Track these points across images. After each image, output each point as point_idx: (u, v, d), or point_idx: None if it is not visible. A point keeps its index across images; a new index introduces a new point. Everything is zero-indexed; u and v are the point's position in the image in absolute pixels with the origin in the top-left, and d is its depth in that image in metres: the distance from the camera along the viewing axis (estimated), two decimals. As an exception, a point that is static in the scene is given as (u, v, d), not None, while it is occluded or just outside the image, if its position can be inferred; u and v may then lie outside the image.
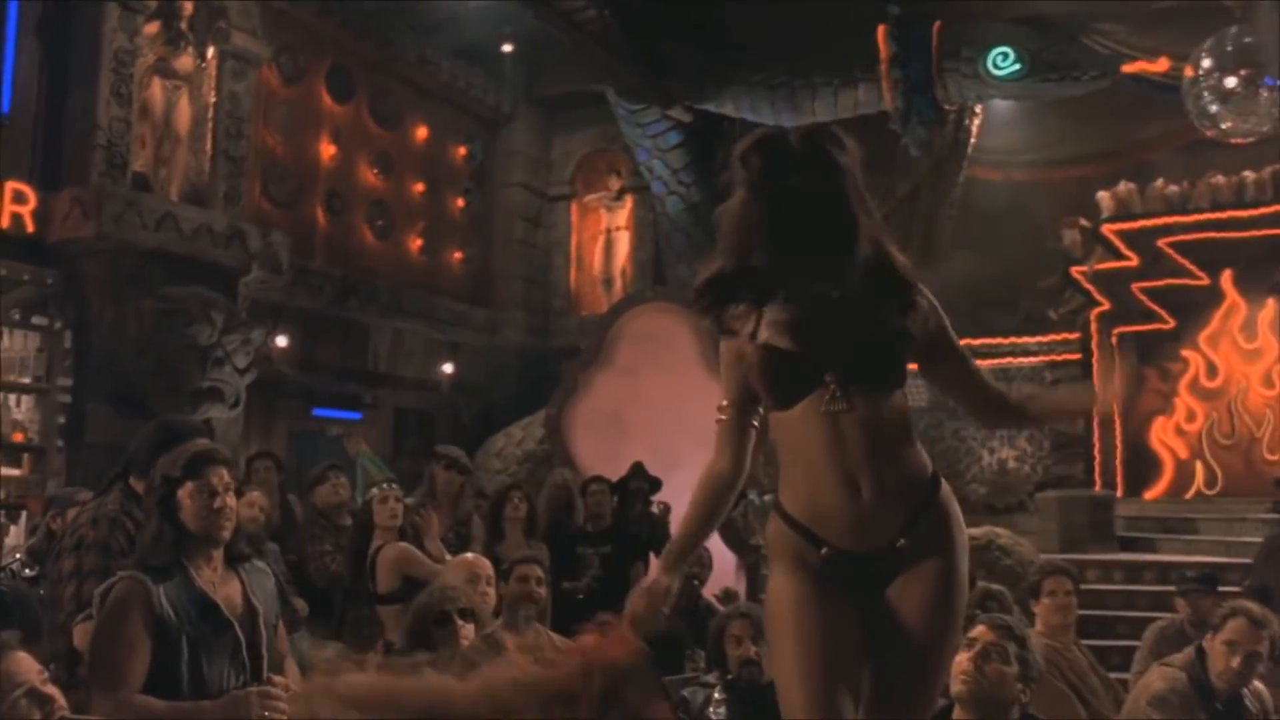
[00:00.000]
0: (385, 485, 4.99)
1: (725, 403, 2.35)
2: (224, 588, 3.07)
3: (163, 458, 3.14)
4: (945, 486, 2.29)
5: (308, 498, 6.48)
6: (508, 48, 12.08)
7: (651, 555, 7.33)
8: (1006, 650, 2.90)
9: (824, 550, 2.22)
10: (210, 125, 8.69)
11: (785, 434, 2.26)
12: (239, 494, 5.82)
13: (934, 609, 2.21)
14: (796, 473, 2.27)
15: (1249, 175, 10.61)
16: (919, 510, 2.23)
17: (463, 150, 12.63)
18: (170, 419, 3.94)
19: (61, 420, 7.58)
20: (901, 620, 2.21)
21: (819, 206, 2.14)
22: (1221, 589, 5.58)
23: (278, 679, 3.04)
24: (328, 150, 10.79)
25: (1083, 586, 5.48)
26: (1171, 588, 5.93)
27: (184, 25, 8.41)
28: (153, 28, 8.25)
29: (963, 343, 2.37)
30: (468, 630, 3.44)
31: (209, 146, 8.69)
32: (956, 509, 2.30)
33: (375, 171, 11.38)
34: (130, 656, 2.85)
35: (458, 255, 12.50)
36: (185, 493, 3.01)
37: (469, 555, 4.68)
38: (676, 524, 2.65)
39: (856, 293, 2.18)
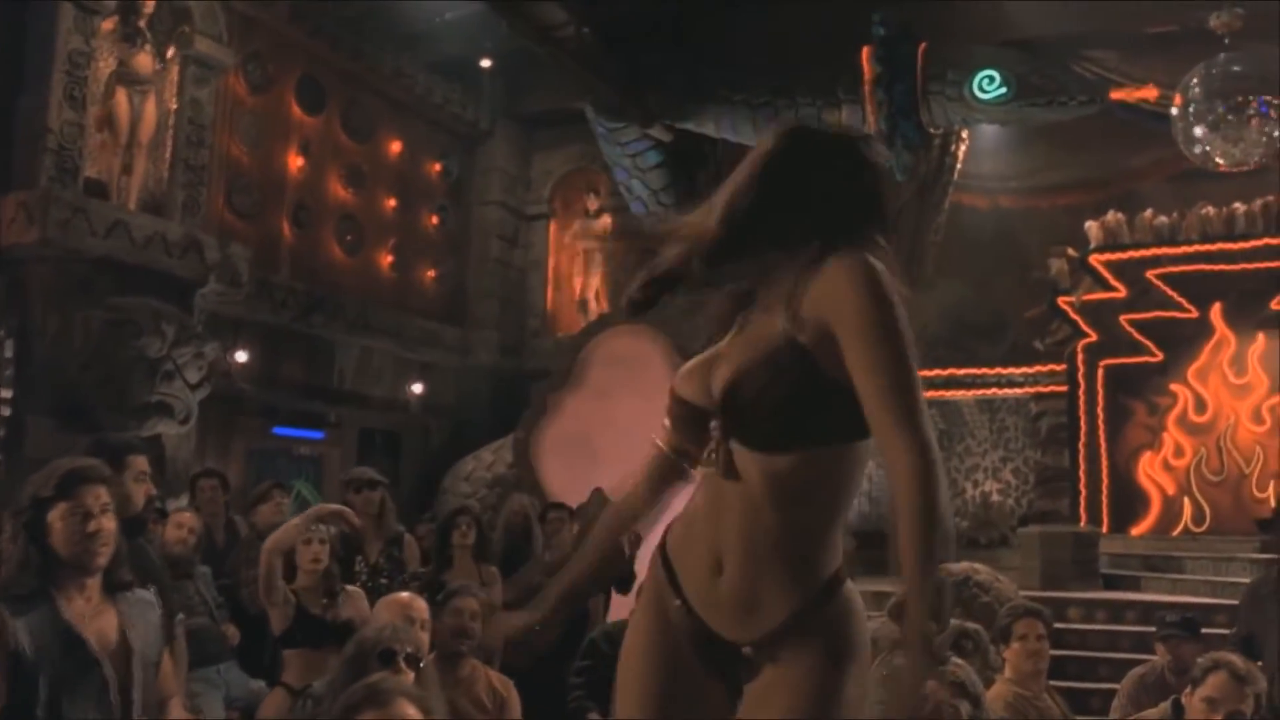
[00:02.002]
0: (314, 525, 4.60)
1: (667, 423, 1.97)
2: (97, 621, 2.78)
3: (34, 475, 2.86)
4: (847, 597, 1.78)
5: (249, 517, 6.18)
6: (486, 63, 11.88)
7: (613, 589, 7.04)
8: (959, 710, 2.60)
9: (677, 603, 1.84)
10: (170, 132, 8.43)
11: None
12: (161, 513, 5.58)
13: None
14: (687, 511, 1.93)
15: (1239, 207, 10.44)
16: (796, 619, 1.73)
17: (438, 166, 12.38)
18: (106, 436, 3.79)
19: (0, 433, 7.26)
20: None
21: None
22: (1206, 631, 5.30)
23: (151, 725, 2.74)
24: (296, 162, 10.52)
25: (1064, 626, 5.21)
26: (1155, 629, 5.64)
27: (142, 23, 8.16)
28: (109, 24, 8.00)
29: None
30: (408, 678, 3.13)
31: (169, 154, 8.42)
32: (856, 627, 1.78)
33: (346, 185, 11.11)
34: (-22, 697, 2.55)
35: (430, 273, 12.23)
36: (56, 514, 2.74)
37: (403, 595, 4.34)
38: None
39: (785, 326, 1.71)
